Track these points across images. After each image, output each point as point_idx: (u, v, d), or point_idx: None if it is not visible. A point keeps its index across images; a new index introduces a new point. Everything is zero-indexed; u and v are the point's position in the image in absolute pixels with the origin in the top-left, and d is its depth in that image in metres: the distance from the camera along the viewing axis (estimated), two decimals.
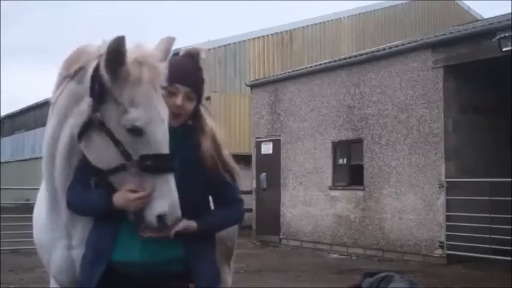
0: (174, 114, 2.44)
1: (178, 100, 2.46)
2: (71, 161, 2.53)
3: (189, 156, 2.48)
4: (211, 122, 2.61)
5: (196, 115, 2.57)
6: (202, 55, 2.60)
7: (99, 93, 2.29)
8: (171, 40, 2.54)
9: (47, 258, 2.78)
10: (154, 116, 2.30)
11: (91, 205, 2.44)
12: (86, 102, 2.36)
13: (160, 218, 2.26)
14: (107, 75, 2.26)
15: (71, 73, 2.44)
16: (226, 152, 2.58)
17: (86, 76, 2.37)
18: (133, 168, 2.28)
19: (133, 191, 2.29)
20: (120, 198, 2.32)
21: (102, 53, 2.31)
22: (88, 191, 2.42)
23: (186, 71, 2.52)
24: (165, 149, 2.32)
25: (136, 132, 2.27)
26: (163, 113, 2.35)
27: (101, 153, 2.35)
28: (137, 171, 2.28)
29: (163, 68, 2.38)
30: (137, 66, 2.29)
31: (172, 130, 2.38)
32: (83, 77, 2.39)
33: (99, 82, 2.29)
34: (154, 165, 2.27)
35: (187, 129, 2.56)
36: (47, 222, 2.71)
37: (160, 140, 2.31)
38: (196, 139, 2.52)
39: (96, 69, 2.31)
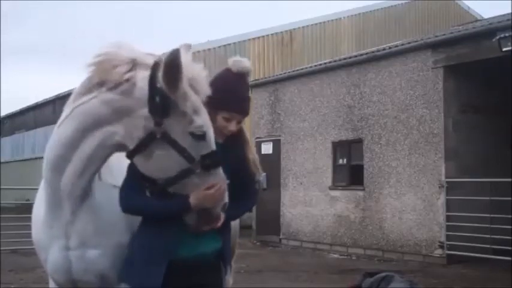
0: (222, 133, 2.66)
1: (233, 127, 2.68)
2: (89, 167, 2.54)
3: (230, 164, 2.64)
4: (248, 134, 2.89)
5: (239, 130, 2.79)
6: (250, 73, 2.78)
7: (162, 106, 2.32)
8: (188, 48, 2.59)
9: (44, 256, 2.77)
10: (208, 118, 2.47)
11: (166, 210, 2.51)
12: (139, 117, 2.37)
13: (223, 207, 2.52)
14: (168, 88, 2.30)
15: (109, 83, 2.40)
16: (256, 156, 2.85)
17: (136, 90, 2.36)
18: (198, 170, 2.41)
19: (209, 188, 2.44)
20: (199, 197, 2.45)
21: (135, 60, 2.36)
22: (152, 198, 2.52)
23: (242, 98, 2.73)
24: (214, 146, 2.49)
25: (201, 136, 2.41)
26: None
27: (163, 163, 2.40)
28: (200, 171, 2.42)
29: (204, 75, 2.51)
30: (191, 77, 2.40)
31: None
32: (130, 90, 2.37)
33: (161, 96, 2.32)
34: (212, 162, 2.44)
35: (227, 141, 2.75)
36: (45, 220, 2.70)
37: (212, 138, 2.48)
38: (241, 150, 2.77)
39: (152, 83, 2.33)
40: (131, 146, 2.42)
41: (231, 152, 2.69)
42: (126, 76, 2.37)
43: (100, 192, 2.68)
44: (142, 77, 2.36)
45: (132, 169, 2.54)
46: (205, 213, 2.48)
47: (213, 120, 2.57)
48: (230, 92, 2.61)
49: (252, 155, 2.80)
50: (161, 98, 2.32)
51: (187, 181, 2.42)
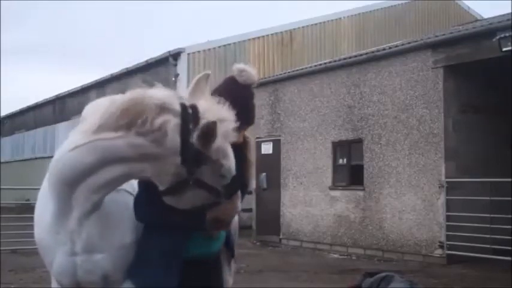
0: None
1: (241, 138, 2.72)
2: (106, 189, 2.57)
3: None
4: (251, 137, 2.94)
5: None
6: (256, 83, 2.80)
7: (195, 159, 2.42)
8: (207, 77, 2.64)
9: (49, 259, 2.78)
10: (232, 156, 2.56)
11: (184, 224, 2.60)
12: (169, 164, 2.41)
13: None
14: (202, 147, 2.40)
15: (139, 127, 2.40)
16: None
17: (167, 140, 2.39)
18: (223, 199, 2.55)
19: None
20: (216, 214, 2.57)
21: (163, 105, 2.40)
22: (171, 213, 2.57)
23: (249, 109, 2.76)
24: (233, 173, 2.56)
25: (228, 176, 2.52)
26: None
27: (193, 200, 2.51)
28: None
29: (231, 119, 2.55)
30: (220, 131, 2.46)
31: None
32: (162, 140, 2.40)
33: (194, 151, 2.40)
34: (234, 190, 2.59)
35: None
36: (52, 224, 2.70)
37: (232, 168, 2.56)
38: (244, 154, 2.80)
39: (185, 136, 2.39)
40: (160, 186, 2.49)
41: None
42: (157, 124, 2.39)
43: (108, 197, 2.68)
44: (173, 126, 2.39)
45: (144, 183, 2.62)
46: (219, 222, 2.61)
47: None
48: (236, 104, 2.56)
49: (252, 158, 2.86)
50: (194, 153, 2.41)
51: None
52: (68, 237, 2.66)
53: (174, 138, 2.39)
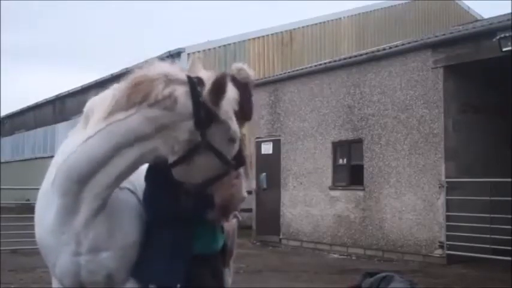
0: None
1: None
2: (118, 181, 2.60)
3: None
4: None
5: None
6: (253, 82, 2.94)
7: (207, 119, 2.47)
8: (200, 60, 2.76)
9: (52, 260, 2.77)
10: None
11: (195, 212, 2.66)
12: (182, 130, 2.46)
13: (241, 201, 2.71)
14: (212, 103, 2.46)
15: (150, 100, 2.45)
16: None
17: (178, 105, 2.45)
18: (232, 170, 2.58)
19: (229, 188, 2.60)
20: (223, 198, 2.59)
21: (167, 76, 2.46)
22: (179, 203, 2.63)
23: (249, 106, 2.85)
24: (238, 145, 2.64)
25: (235, 140, 2.58)
26: None
27: (203, 169, 2.53)
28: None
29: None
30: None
31: None
32: (173, 106, 2.45)
33: (205, 110, 2.46)
34: (240, 161, 2.64)
35: None
36: (55, 225, 2.69)
37: (239, 139, 2.63)
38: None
39: (196, 98, 2.46)
40: (172, 158, 2.51)
41: None
42: (166, 92, 2.45)
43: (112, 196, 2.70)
44: (182, 92, 2.47)
45: (151, 177, 2.69)
46: (226, 209, 2.65)
47: None
48: (239, 100, 2.70)
49: (250, 154, 2.96)
50: (206, 111, 2.46)
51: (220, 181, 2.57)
52: (73, 238, 2.66)
53: (185, 102, 2.46)
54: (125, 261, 2.72)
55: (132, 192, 2.82)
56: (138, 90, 2.48)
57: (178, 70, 2.56)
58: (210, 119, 2.47)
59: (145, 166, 2.82)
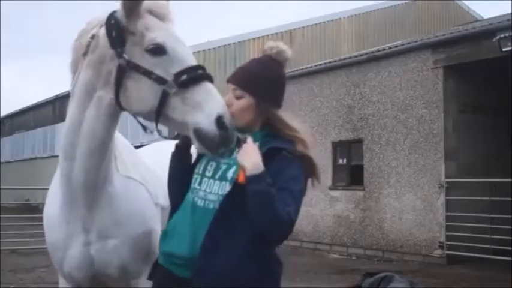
0: (231, 113, 2.31)
1: (226, 97, 2.35)
2: (97, 148, 2.55)
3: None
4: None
5: (267, 122, 2.42)
6: (281, 54, 2.54)
7: (118, 36, 2.37)
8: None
9: (60, 256, 2.76)
10: (169, 34, 2.38)
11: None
12: (108, 60, 2.41)
13: (220, 119, 2.20)
14: (127, 20, 2.36)
15: (85, 50, 2.50)
16: None
17: (99, 40, 2.45)
18: (174, 89, 2.25)
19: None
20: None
21: (102, 21, 2.45)
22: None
23: (240, 69, 2.46)
24: (193, 62, 2.34)
25: (160, 51, 2.31)
26: (178, 34, 2.44)
27: (140, 93, 2.33)
28: (179, 92, 2.25)
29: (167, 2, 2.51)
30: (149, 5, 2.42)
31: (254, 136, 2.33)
32: (97, 43, 2.46)
33: (116, 28, 2.38)
34: (189, 77, 2.26)
35: (263, 134, 2.42)
36: (61, 216, 2.71)
37: (185, 54, 2.34)
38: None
39: (108, 21, 2.42)
40: (109, 87, 2.44)
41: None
42: (90, 34, 2.49)
43: (117, 183, 2.72)
44: (101, 28, 2.47)
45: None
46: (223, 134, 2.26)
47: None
48: (276, 82, 2.48)
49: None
50: (116, 29, 2.38)
51: (172, 106, 2.26)
52: (80, 226, 2.67)
53: (104, 34, 2.43)
54: (136, 252, 2.72)
55: (140, 183, 2.85)
56: (79, 49, 2.55)
57: (98, 19, 2.53)
58: (120, 35, 2.36)
59: (154, 158, 2.80)
